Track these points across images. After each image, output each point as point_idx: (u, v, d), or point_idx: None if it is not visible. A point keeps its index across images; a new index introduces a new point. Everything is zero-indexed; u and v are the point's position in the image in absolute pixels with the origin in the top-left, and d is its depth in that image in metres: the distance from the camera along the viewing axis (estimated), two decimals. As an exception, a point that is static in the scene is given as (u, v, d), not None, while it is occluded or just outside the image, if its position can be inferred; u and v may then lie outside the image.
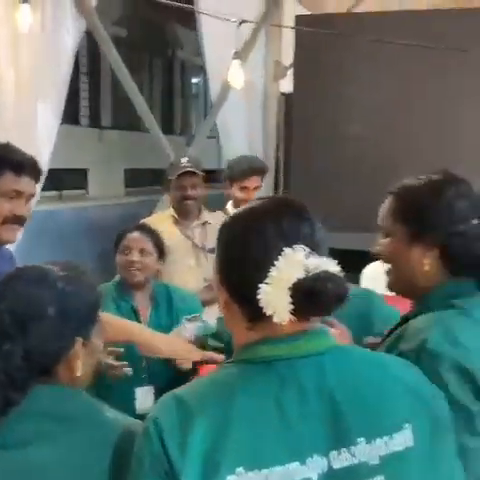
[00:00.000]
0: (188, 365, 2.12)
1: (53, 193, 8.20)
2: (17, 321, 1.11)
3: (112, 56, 4.51)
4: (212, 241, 3.16)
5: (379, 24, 4.88)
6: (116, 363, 2.08)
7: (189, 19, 5.49)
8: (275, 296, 0.93)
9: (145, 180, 10.27)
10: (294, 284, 0.93)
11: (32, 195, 1.95)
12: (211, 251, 3.21)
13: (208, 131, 6.76)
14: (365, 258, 2.64)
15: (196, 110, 13.25)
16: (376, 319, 1.90)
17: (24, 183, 1.90)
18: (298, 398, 0.95)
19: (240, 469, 0.90)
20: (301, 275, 0.93)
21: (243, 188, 3.38)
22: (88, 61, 9.15)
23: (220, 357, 2.01)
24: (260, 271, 0.95)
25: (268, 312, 0.94)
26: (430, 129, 4.99)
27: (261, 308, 0.95)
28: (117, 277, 2.61)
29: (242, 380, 0.97)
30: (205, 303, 2.87)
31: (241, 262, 0.99)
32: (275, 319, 0.94)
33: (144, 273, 2.45)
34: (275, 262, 0.95)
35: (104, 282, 2.76)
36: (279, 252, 0.95)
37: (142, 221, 3.19)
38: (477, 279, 1.31)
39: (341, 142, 5.38)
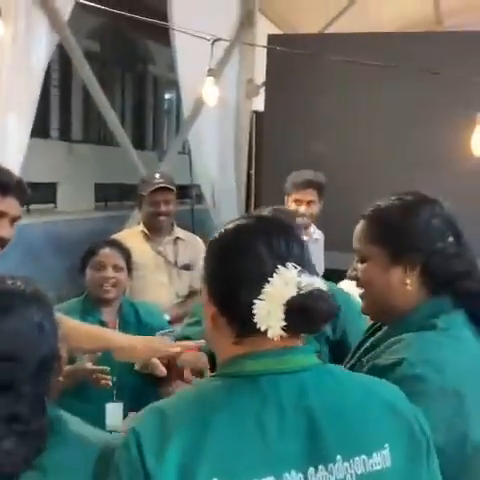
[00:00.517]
0: (162, 372, 2.11)
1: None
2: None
3: (84, 70, 4.49)
4: (184, 257, 3.23)
5: (350, 45, 4.96)
6: (97, 368, 2.07)
7: (162, 35, 5.51)
8: (269, 312, 0.96)
9: (115, 195, 10.22)
10: (288, 301, 0.95)
11: (16, 217, 1.90)
12: (184, 267, 3.22)
13: (180, 147, 6.77)
14: (339, 277, 2.66)
15: (168, 126, 13.25)
16: (346, 323, 1.94)
17: (8, 204, 1.85)
18: (278, 414, 0.96)
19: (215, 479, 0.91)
20: (294, 292, 0.96)
21: (296, 201, 3.37)
22: (59, 74, 9.10)
23: (196, 344, 2.00)
24: (252, 287, 0.97)
25: (262, 327, 0.96)
26: (401, 148, 5.07)
27: (250, 323, 0.97)
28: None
29: (225, 394, 0.98)
30: (177, 319, 2.87)
31: (232, 277, 1.00)
32: (269, 334, 0.96)
33: (118, 289, 2.45)
34: (269, 279, 0.97)
35: (72, 297, 2.74)
36: (272, 269, 0.98)
37: (112, 237, 3.13)
38: (453, 296, 1.32)
39: (311, 160, 5.42)
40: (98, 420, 2.16)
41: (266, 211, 1.10)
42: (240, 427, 0.94)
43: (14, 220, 1.90)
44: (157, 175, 3.26)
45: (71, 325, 1.85)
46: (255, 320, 0.96)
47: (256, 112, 6.23)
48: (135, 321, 2.49)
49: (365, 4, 6.30)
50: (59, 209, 9.10)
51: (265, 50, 5.35)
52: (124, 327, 2.45)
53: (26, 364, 1.03)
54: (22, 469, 1.00)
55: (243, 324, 0.98)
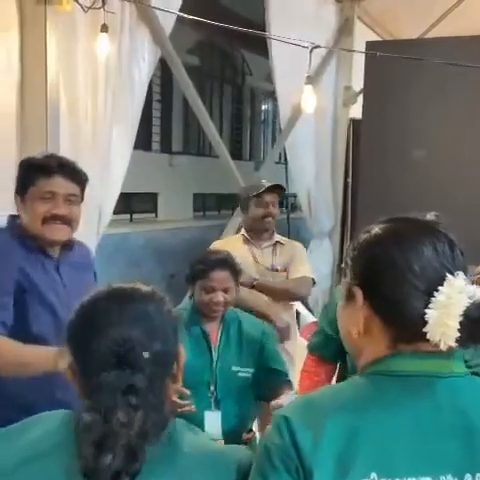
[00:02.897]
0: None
1: (125, 216, 8.41)
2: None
3: (184, 83, 4.62)
4: (281, 261, 3.34)
5: (450, 49, 4.81)
6: (181, 402, 2.10)
7: (259, 46, 5.57)
8: (444, 322, 0.94)
9: (213, 205, 10.39)
10: (465, 311, 0.94)
11: (71, 195, 2.02)
12: (280, 271, 3.31)
13: (277, 156, 6.81)
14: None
15: (265, 136, 13.36)
16: None
17: (56, 183, 1.99)
18: (433, 415, 0.95)
19: (374, 474, 0.91)
20: (466, 302, 0.94)
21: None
22: (161, 88, 9.39)
23: None
24: (420, 294, 0.96)
25: (435, 338, 0.95)
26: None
27: (413, 329, 0.96)
28: (187, 302, 2.65)
29: (376, 390, 0.97)
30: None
31: (398, 281, 0.99)
32: (441, 345, 0.95)
33: (225, 308, 2.47)
34: (439, 287, 0.96)
35: (172, 306, 2.81)
36: (439, 277, 0.97)
37: (214, 243, 3.35)
38: None
39: (410, 168, 5.30)
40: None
41: (420, 215, 1.09)
42: (395, 423, 0.94)
43: (68, 197, 2.01)
44: (263, 180, 3.39)
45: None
46: (426, 329, 0.95)
47: (354, 120, 6.17)
48: (237, 332, 2.50)
49: (468, 7, 6.10)
50: (159, 218, 9.37)
51: (363, 57, 5.29)
52: (226, 337, 2.48)
53: (143, 347, 1.06)
54: (142, 443, 1.02)
55: (404, 330, 0.98)
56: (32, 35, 2.95)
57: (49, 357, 1.78)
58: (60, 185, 2.00)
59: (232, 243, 3.30)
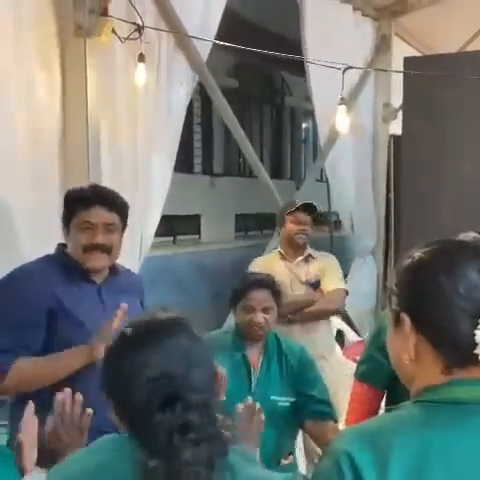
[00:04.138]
0: None
1: (168, 238, 8.50)
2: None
3: (222, 107, 4.67)
4: (313, 274, 3.49)
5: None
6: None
7: (298, 66, 5.60)
8: None
9: (254, 225, 10.41)
10: None
11: (109, 224, 2.11)
12: (313, 284, 3.47)
13: (318, 174, 6.80)
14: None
15: (305, 154, 13.36)
16: None
17: (94, 214, 2.09)
18: None
19: None
20: None
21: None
22: (201, 111, 9.51)
23: None
24: (466, 316, 0.96)
25: None
26: None
27: (465, 352, 0.96)
28: (229, 325, 2.65)
29: (437, 420, 0.95)
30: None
31: (444, 306, 0.98)
32: None
33: (265, 329, 2.47)
34: None
35: (216, 326, 2.83)
36: None
37: (253, 261, 3.60)
38: None
39: (453, 183, 5.23)
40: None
41: (463, 236, 1.09)
42: (462, 452, 0.92)
43: (107, 227, 2.09)
44: (298, 199, 3.64)
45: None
46: (477, 351, 0.95)
47: (394, 136, 6.13)
48: (278, 360, 2.49)
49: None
50: (203, 240, 9.43)
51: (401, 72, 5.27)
52: (267, 365, 2.47)
53: (185, 379, 1.05)
54: (210, 474, 1.01)
55: (455, 354, 0.97)
56: (73, 67, 3.04)
57: (83, 350, 1.97)
58: (98, 215, 2.09)
59: (269, 259, 3.59)
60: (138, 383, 1.04)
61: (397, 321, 1.04)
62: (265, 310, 2.45)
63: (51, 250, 2.21)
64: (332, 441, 0.98)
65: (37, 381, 1.99)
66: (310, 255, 3.59)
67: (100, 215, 2.09)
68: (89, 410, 1.48)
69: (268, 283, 2.53)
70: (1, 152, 2.70)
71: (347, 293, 3.64)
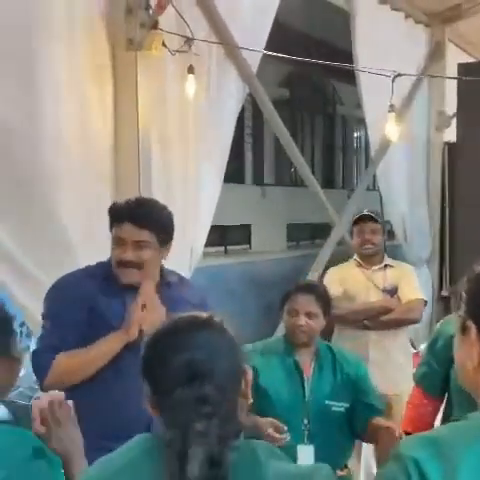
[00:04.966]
0: None
1: (219, 248, 8.54)
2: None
3: (272, 117, 4.68)
4: (391, 282, 3.50)
5: None
6: (277, 436, 2.10)
7: (349, 74, 5.57)
8: None
9: (306, 235, 10.37)
10: None
11: (139, 241, 2.13)
12: (390, 292, 3.49)
13: (370, 183, 6.72)
14: None
15: (357, 163, 13.24)
16: None
17: (124, 230, 2.13)
18: None
19: None
20: None
21: None
22: (252, 122, 9.55)
23: None
24: None
25: None
26: None
27: None
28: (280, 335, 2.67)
29: None
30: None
31: None
32: None
33: (309, 335, 2.47)
34: None
35: (267, 336, 2.84)
36: None
37: (329, 270, 3.70)
38: None
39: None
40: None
41: None
42: None
43: (138, 244, 2.12)
44: (366, 210, 3.67)
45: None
46: None
47: (448, 144, 6.01)
48: (331, 366, 2.49)
49: None
50: (253, 250, 9.44)
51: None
52: (319, 370, 2.47)
53: (208, 364, 1.15)
54: (222, 449, 1.07)
55: None
56: (124, 80, 3.09)
57: (118, 333, 2.07)
58: (128, 232, 2.13)
59: (346, 268, 3.64)
60: (166, 364, 1.15)
61: (464, 328, 1.04)
62: (309, 315, 2.45)
63: None
64: (398, 447, 0.98)
65: (80, 370, 2.07)
66: (388, 265, 3.60)
67: (130, 232, 2.12)
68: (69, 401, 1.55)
69: (315, 289, 2.54)
70: (53, 166, 2.75)
71: (426, 303, 3.65)
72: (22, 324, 1.75)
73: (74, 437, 1.50)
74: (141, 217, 2.13)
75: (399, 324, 3.53)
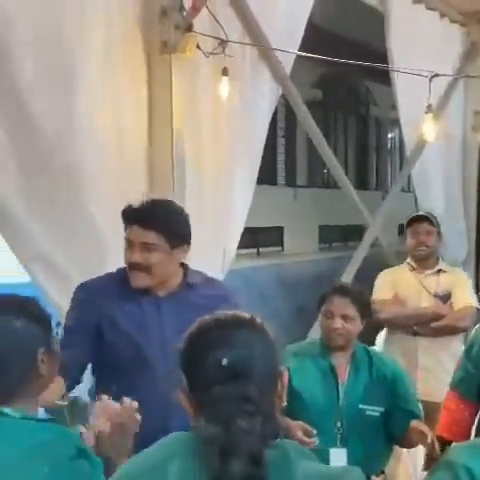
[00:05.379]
0: None
1: (252, 250, 8.54)
2: None
3: (305, 119, 4.65)
4: (444, 288, 3.45)
5: None
6: (306, 440, 2.09)
7: (383, 75, 5.51)
8: None
9: (338, 236, 10.31)
10: None
11: (146, 243, 2.10)
12: (443, 297, 3.45)
13: (405, 185, 6.64)
14: None
15: (392, 164, 13.13)
16: None
17: (132, 232, 2.12)
18: None
19: None
20: None
21: None
22: (285, 123, 9.54)
23: None
24: None
25: None
26: None
27: None
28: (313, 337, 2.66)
29: None
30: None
31: None
32: None
33: (345, 338, 2.45)
34: None
35: (299, 339, 2.82)
36: None
37: (381, 273, 3.62)
38: None
39: None
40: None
41: None
42: None
43: (145, 246, 2.09)
44: (420, 211, 3.69)
45: None
46: None
47: (484, 144, 5.92)
48: (367, 369, 2.46)
49: None
50: (286, 252, 9.42)
51: (492, 79, 5.08)
52: (355, 373, 2.44)
53: (246, 362, 1.16)
54: (263, 448, 1.07)
55: None
56: (158, 83, 3.10)
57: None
58: (135, 234, 2.11)
59: (398, 271, 3.61)
60: (207, 360, 1.15)
61: None
62: (345, 317, 2.43)
63: None
64: (448, 454, 0.97)
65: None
66: (441, 270, 3.54)
67: (137, 234, 2.11)
68: (138, 415, 1.57)
69: (351, 291, 2.50)
70: (89, 168, 2.78)
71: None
72: (58, 324, 1.78)
73: (127, 449, 1.53)
74: (147, 219, 2.11)
75: (449, 332, 3.46)
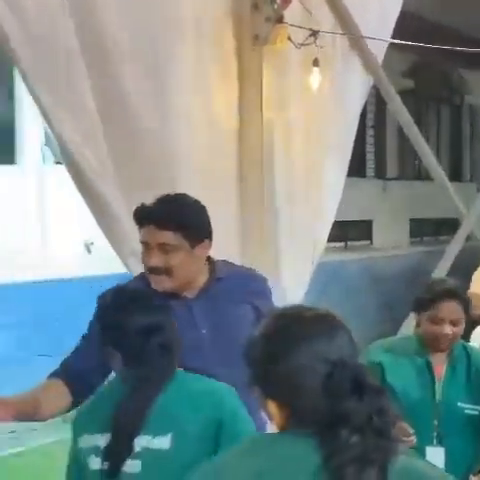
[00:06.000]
0: None
1: (340, 244, 8.45)
2: None
3: (398, 109, 4.53)
4: None
5: None
6: (403, 438, 2.04)
7: (477, 62, 5.29)
8: None
9: (431, 230, 10.03)
10: None
11: (163, 244, 1.92)
12: None
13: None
14: None
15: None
16: None
17: (146, 233, 1.94)
18: None
19: None
20: None
21: None
22: (374, 114, 9.36)
23: None
24: None
25: None
26: None
27: None
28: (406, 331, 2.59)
29: None
30: None
31: None
32: None
33: (452, 342, 2.37)
34: None
35: (388, 334, 2.76)
36: None
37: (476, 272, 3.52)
38: None
39: None
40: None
41: None
42: None
43: (163, 247, 1.92)
44: None
45: None
46: None
47: None
48: (465, 367, 2.39)
49: None
50: (374, 245, 9.26)
51: None
52: (452, 371, 2.37)
53: (355, 367, 1.09)
54: (391, 458, 1.04)
55: None
56: (249, 74, 3.11)
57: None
58: (151, 235, 1.94)
59: None
60: (312, 369, 1.07)
61: None
62: (453, 322, 2.33)
63: (225, 255, 2.17)
64: None
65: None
66: None
67: (152, 235, 1.93)
68: None
69: (459, 293, 2.39)
70: (182, 158, 2.84)
71: None
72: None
73: None
74: (162, 217, 1.92)
75: None
